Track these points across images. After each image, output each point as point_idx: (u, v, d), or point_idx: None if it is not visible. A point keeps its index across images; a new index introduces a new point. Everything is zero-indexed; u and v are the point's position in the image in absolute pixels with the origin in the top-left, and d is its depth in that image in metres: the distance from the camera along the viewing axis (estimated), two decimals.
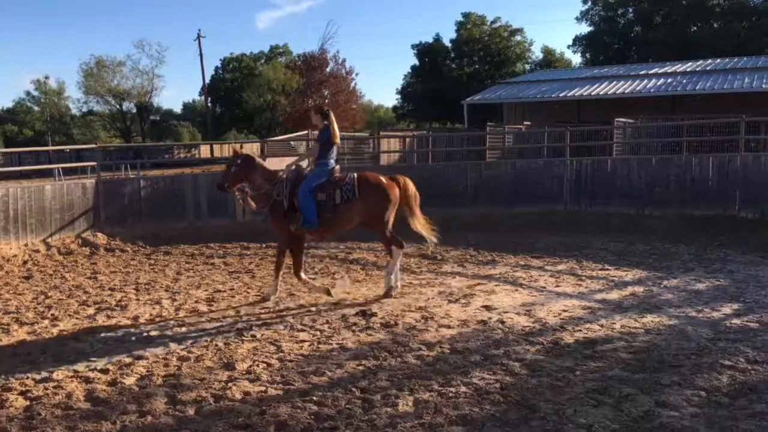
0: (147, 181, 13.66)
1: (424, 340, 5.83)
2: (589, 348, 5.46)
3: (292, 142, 23.62)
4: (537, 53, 57.87)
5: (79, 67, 56.66)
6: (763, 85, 24.38)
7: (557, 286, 8.03)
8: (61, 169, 21.92)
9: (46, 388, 4.84)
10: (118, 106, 55.75)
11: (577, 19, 51.38)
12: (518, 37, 56.61)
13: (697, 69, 29.60)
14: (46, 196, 11.67)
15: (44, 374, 5.15)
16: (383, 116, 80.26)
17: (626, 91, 27.13)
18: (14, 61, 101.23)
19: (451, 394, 4.52)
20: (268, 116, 49.53)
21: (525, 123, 25.23)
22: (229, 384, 4.83)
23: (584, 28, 51.46)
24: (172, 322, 6.66)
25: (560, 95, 28.42)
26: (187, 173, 17.62)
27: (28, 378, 5.08)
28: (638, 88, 27.32)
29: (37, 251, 11.07)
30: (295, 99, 47.25)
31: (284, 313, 6.92)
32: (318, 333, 6.14)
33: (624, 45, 48.13)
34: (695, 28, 44.71)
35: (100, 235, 12.15)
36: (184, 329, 6.37)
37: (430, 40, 56.09)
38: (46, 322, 6.77)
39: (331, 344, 5.78)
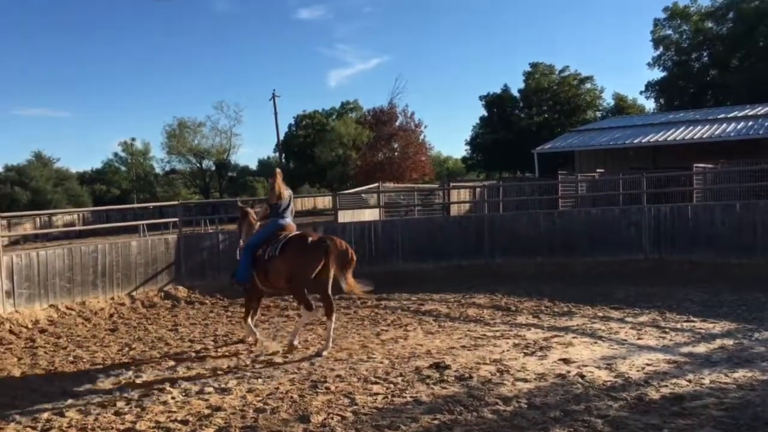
0: (224, 235, 14.11)
1: (500, 394, 5.69)
2: (676, 404, 5.18)
3: (363, 195, 23.97)
4: (608, 100, 57.03)
5: (162, 128, 59.95)
6: None
7: (639, 338, 7.71)
8: (146, 226, 22.97)
9: None
10: (198, 165, 58.34)
11: (648, 64, 50.48)
12: (588, 85, 56.08)
13: None
14: (131, 251, 12.24)
15: (127, 425, 5.31)
16: (452, 167, 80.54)
17: (704, 136, 26.27)
18: (104, 126, 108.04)
19: None
20: (340, 170, 50.57)
21: (598, 170, 24.75)
22: None
23: (657, 74, 50.46)
24: (248, 373, 6.77)
25: (634, 141, 27.82)
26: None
27: (112, 430, 5.25)
28: (717, 133, 26.42)
29: (123, 304, 11.57)
30: (366, 152, 48.19)
31: (357, 365, 6.92)
32: (391, 386, 6.10)
33: (699, 89, 46.86)
34: None
35: (181, 288, 12.59)
36: (260, 381, 6.46)
37: (498, 91, 56.35)
38: (131, 373, 7.01)
39: (405, 397, 5.72)
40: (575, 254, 13.61)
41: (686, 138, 26.57)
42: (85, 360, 7.75)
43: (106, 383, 6.63)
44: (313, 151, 54.93)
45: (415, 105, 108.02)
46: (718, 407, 5.07)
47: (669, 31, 49.17)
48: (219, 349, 8.00)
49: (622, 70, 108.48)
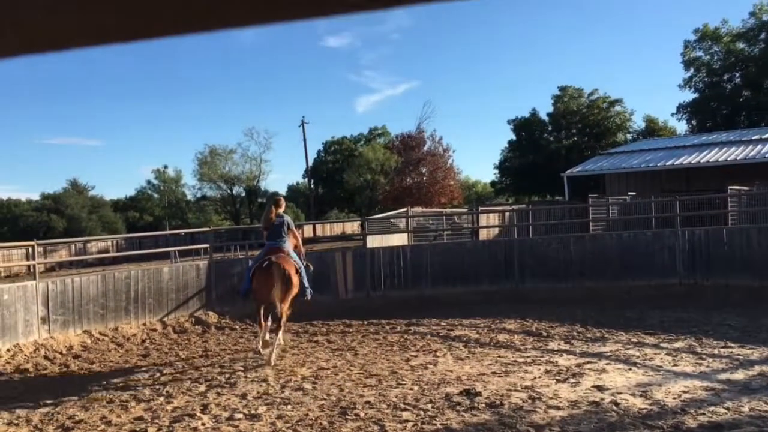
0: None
1: (532, 421, 5.59)
2: None
3: (392, 220, 23.99)
4: (638, 122, 56.47)
5: (194, 156, 61.06)
6: None
7: (675, 365, 7.53)
8: (177, 252, 23.29)
9: None
10: (228, 191, 59.08)
11: (679, 86, 49.94)
12: (618, 108, 55.64)
13: None
14: (163, 277, 12.41)
15: None
16: (481, 191, 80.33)
17: (739, 158, 25.81)
18: (137, 154, 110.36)
19: None
20: (368, 195, 50.80)
21: (629, 193, 24.45)
22: None
23: (688, 95, 50.02)
24: (278, 399, 6.76)
25: (666, 164, 27.44)
26: None
27: None
28: (752, 154, 25.94)
29: (154, 330, 11.70)
30: (394, 178, 48.34)
31: (386, 391, 6.87)
32: (421, 413, 6.04)
33: (732, 110, 46.18)
34: None
35: (211, 313, 12.69)
36: (289, 407, 6.45)
37: (527, 115, 56.24)
38: (161, 399, 7.06)
39: (435, 425, 5.66)
40: (607, 278, 13.40)
41: (720, 160, 26.13)
42: (117, 386, 7.83)
43: (137, 409, 6.68)
44: (342, 176, 55.34)
45: (443, 130, 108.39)
46: None
47: (700, 53, 48.70)
48: (248, 375, 8.02)
49: (653, 92, 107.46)
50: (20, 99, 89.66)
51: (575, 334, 9.81)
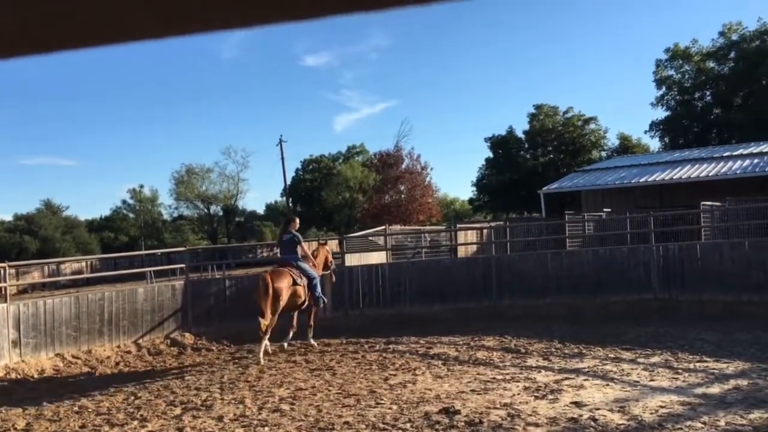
0: (231, 281, 14.11)
1: None
2: None
3: (370, 238, 23.96)
4: (613, 140, 57.35)
5: (171, 175, 60.53)
6: None
7: (652, 380, 7.58)
8: (153, 272, 23.01)
9: None
10: (205, 210, 58.69)
11: (652, 104, 50.89)
12: (592, 125, 56.47)
13: None
14: (138, 298, 12.23)
15: None
16: (459, 209, 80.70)
17: (710, 174, 26.30)
18: (112, 174, 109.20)
19: None
20: (347, 213, 50.79)
21: (605, 210, 24.73)
22: None
23: (660, 113, 50.80)
24: (255, 421, 6.67)
25: (640, 181, 27.86)
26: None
27: None
28: (723, 170, 26.44)
29: (129, 352, 11.50)
30: (372, 196, 48.44)
31: (365, 411, 6.81)
32: None
33: (704, 128, 47.12)
34: None
35: (187, 334, 12.53)
36: (266, 429, 6.36)
37: (503, 132, 56.81)
38: (135, 422, 6.92)
39: None
40: (584, 294, 13.49)
41: (692, 176, 26.60)
42: (90, 410, 7.66)
43: None
44: (320, 194, 55.31)
45: (421, 148, 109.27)
46: None
47: (671, 72, 49.72)
48: (225, 397, 7.90)
49: (626, 110, 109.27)
50: None
51: (553, 350, 9.84)
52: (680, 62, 49.03)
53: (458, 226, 24.32)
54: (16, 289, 27.05)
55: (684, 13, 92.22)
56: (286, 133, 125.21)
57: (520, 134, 56.50)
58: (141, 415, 7.20)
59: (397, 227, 29.09)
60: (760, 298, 11.97)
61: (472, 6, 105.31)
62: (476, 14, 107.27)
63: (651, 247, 13.59)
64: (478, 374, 8.38)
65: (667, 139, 49.75)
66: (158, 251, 34.18)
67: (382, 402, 7.16)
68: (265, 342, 10.32)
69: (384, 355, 10.19)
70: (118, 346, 11.61)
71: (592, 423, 5.90)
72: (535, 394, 7.14)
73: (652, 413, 6.11)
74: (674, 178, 27.01)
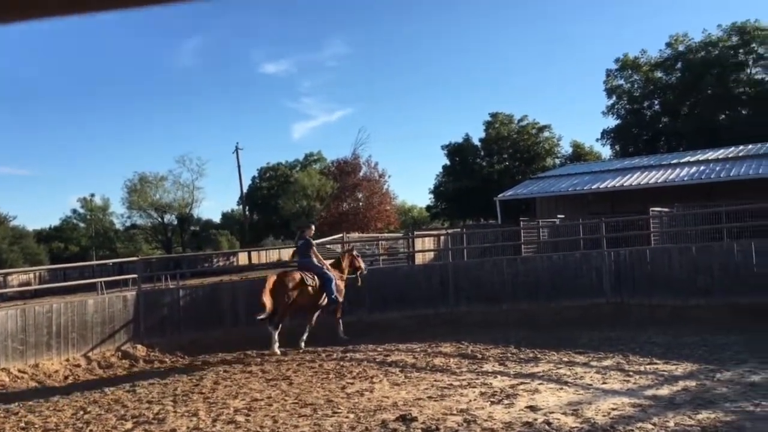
0: (186, 291, 13.86)
1: None
2: None
3: (327, 245, 23.89)
4: (566, 148, 58.56)
5: (123, 183, 59.17)
6: None
7: (604, 382, 7.72)
8: (104, 283, 22.43)
9: None
10: (159, 219, 57.55)
11: (603, 113, 52.21)
12: (546, 133, 57.58)
13: (730, 156, 29.52)
14: (88, 310, 11.90)
15: None
16: (417, 216, 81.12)
17: (659, 181, 27.06)
18: (63, 183, 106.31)
19: None
20: (304, 221, 50.56)
21: (558, 216, 25.18)
22: None
23: (611, 122, 52.17)
24: None
25: (593, 187, 28.48)
26: (226, 281, 17.90)
27: None
28: (671, 177, 27.25)
29: (78, 365, 11.17)
30: (330, 203, 48.32)
31: (322, 420, 6.76)
32: None
33: (652, 136, 48.51)
34: (723, 116, 45.00)
35: (139, 346, 12.24)
36: None
37: (460, 140, 57.43)
38: None
39: None
40: (539, 300, 13.69)
41: (642, 183, 27.32)
42: (37, 426, 7.40)
43: None
44: (277, 202, 54.89)
45: (379, 155, 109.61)
46: None
47: (621, 81, 51.08)
48: (178, 409, 7.73)
49: (579, 118, 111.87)
50: None
51: (509, 355, 9.94)
52: (629, 72, 50.43)
53: (415, 233, 24.40)
54: None
55: (634, 23, 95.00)
56: (243, 141, 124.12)
57: (476, 142, 57.23)
58: (90, 431, 6.99)
59: (355, 235, 29.10)
60: (707, 302, 12.33)
61: (430, 16, 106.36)
62: (433, 24, 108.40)
63: (603, 253, 13.88)
64: (435, 381, 8.40)
65: (617, 147, 51.02)
66: (110, 261, 33.35)
67: (339, 411, 7.11)
68: (275, 335, 11.45)
69: (341, 363, 10.14)
70: (67, 360, 11.27)
71: (547, 427, 5.97)
72: (491, 399, 7.19)
73: (604, 416, 6.22)
74: (625, 184, 27.69)
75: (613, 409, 6.42)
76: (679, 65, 48.01)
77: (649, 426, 5.78)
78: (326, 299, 12.04)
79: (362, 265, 13.21)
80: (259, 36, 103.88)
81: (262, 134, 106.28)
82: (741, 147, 31.73)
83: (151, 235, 61.72)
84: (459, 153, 56.74)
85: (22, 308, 11.36)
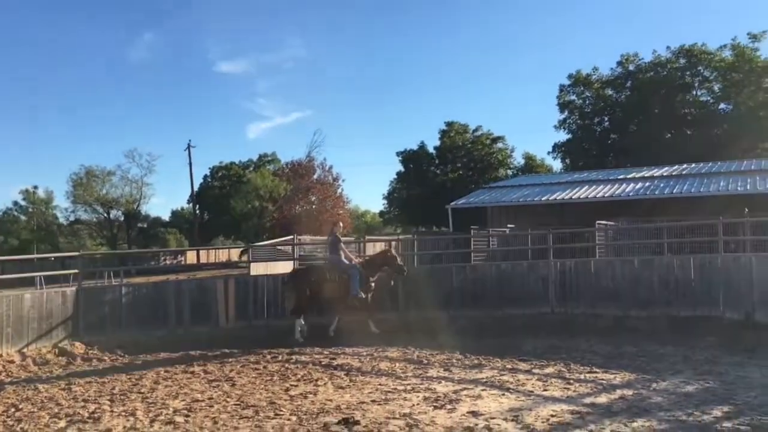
0: (128, 289, 13.52)
1: None
2: None
3: (279, 247, 23.65)
4: (518, 159, 59.62)
5: (68, 177, 57.30)
6: (738, 188, 25.15)
7: (545, 390, 7.85)
8: (44, 278, 21.68)
9: None
10: (105, 215, 56.01)
11: (555, 127, 53.32)
12: (500, 144, 58.53)
13: (674, 173, 30.52)
14: (24, 304, 11.49)
15: None
16: (370, 221, 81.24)
17: (606, 195, 27.76)
18: (7, 175, 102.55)
19: None
20: (256, 222, 49.93)
21: (509, 226, 25.55)
22: None
23: (563, 136, 53.31)
24: None
25: (542, 199, 29.02)
26: (172, 280, 17.53)
27: None
28: (617, 192, 27.99)
29: (12, 362, 10.76)
30: (283, 205, 47.93)
31: (263, 422, 6.67)
32: None
33: (601, 151, 49.80)
34: (669, 135, 46.52)
35: (78, 344, 11.87)
36: None
37: (415, 147, 57.84)
38: None
39: None
40: (487, 307, 13.83)
41: (589, 196, 27.98)
42: None
43: None
44: (229, 202, 54.12)
45: (334, 159, 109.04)
46: None
47: (573, 97, 52.30)
48: (115, 409, 7.52)
49: (532, 131, 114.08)
50: None
51: (455, 361, 10.02)
52: (582, 88, 51.70)
53: (367, 237, 24.40)
54: None
55: (587, 39, 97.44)
56: (196, 139, 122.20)
57: (431, 150, 57.69)
58: (22, 428, 6.74)
59: (307, 238, 28.89)
60: (647, 313, 12.69)
61: (389, 23, 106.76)
62: (392, 31, 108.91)
63: (549, 263, 14.14)
64: (379, 385, 8.40)
65: (568, 161, 52.18)
66: (51, 256, 32.25)
67: (282, 413, 7.03)
68: (298, 324, 12.48)
69: (286, 365, 10.05)
70: (0, 356, 10.83)
71: None
72: (435, 404, 7.23)
73: (543, 422, 6.32)
74: (573, 197, 28.31)
75: (552, 416, 6.53)
76: (629, 84, 49.46)
77: None
78: (350, 294, 12.64)
79: (401, 263, 13.36)
80: (217, 34, 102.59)
81: (215, 133, 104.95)
82: (684, 165, 32.84)
83: (96, 230, 60.05)
84: (414, 160, 57.12)
85: None
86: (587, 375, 8.63)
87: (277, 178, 50.78)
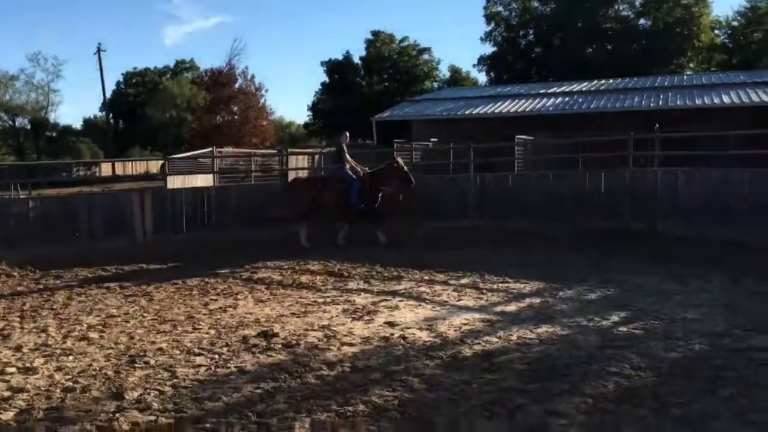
0: (37, 202, 12.92)
1: (325, 359, 5.77)
2: (486, 360, 5.57)
3: (200, 159, 22.94)
4: (444, 72, 59.36)
5: None
6: (652, 104, 26.05)
7: (459, 299, 8.17)
8: None
9: None
10: (10, 123, 52.52)
11: (481, 39, 53.04)
12: (426, 56, 57.93)
13: (592, 89, 31.20)
14: None
15: None
16: (295, 133, 79.83)
17: (527, 109, 28.20)
18: None
19: (349, 414, 4.48)
20: (174, 132, 48.13)
21: (432, 140, 25.71)
22: (117, 415, 4.59)
23: (488, 48, 53.20)
24: (58, 350, 6.27)
25: (466, 113, 29.19)
26: (85, 192, 16.85)
27: None
28: (538, 107, 28.47)
29: None
30: (202, 115, 46.25)
31: (181, 336, 6.67)
32: (216, 356, 5.96)
33: (526, 65, 50.14)
34: (590, 50, 47.20)
35: None
36: (71, 358, 6.01)
37: (340, 57, 56.44)
38: None
39: (230, 368, 5.62)
40: (409, 219, 14.04)
41: (512, 111, 28.34)
42: None
43: None
44: (145, 111, 51.75)
45: (256, 68, 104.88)
46: (521, 361, 5.52)
47: (500, 8, 51.85)
48: (26, 325, 7.32)
49: (459, 43, 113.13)
50: None
51: (374, 273, 10.21)
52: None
53: (290, 150, 24.05)
54: None
55: None
56: (107, 42, 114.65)
57: (357, 60, 56.49)
58: None
59: (229, 149, 28.16)
60: (560, 226, 13.21)
61: None
62: None
63: (469, 177, 14.40)
64: (300, 298, 8.51)
65: (493, 74, 52.34)
66: None
67: (200, 327, 7.05)
68: (303, 231, 12.81)
69: (206, 279, 9.98)
70: None
71: (402, 341, 6.26)
72: (353, 315, 7.41)
73: (455, 330, 6.61)
74: (496, 111, 28.61)
75: (465, 324, 6.84)
76: None
77: (495, 339, 6.23)
78: (349, 205, 12.83)
79: (407, 174, 12.97)
80: None
81: (129, 36, 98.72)
82: (603, 81, 33.57)
83: (0, 139, 56.40)
84: (339, 71, 55.89)
85: None
86: (500, 285, 9.02)
87: (195, 86, 48.68)
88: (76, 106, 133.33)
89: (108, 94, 56.29)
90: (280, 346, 6.22)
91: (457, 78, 57.27)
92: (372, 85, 55.57)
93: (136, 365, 5.74)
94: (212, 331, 6.85)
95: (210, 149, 21.02)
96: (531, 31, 51.10)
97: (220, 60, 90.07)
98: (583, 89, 31.28)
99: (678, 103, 25.71)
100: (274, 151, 27.13)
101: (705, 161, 14.99)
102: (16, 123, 52.69)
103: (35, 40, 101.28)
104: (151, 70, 64.44)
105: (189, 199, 13.60)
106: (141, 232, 13.18)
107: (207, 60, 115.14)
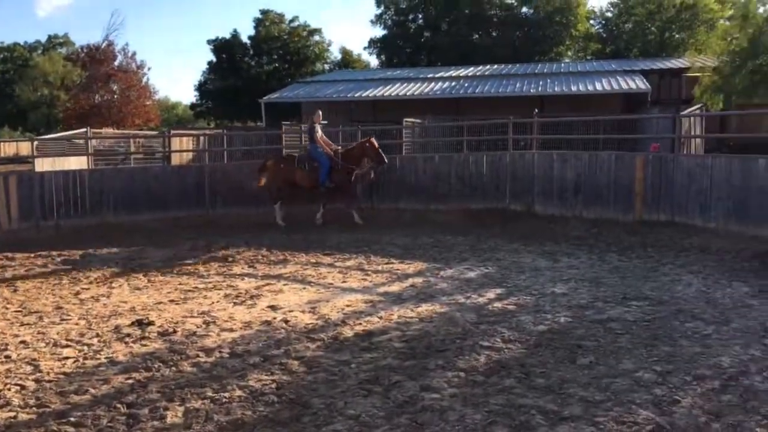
0: None
1: (203, 346, 5.63)
2: (366, 340, 5.64)
3: (75, 140, 21.54)
4: (335, 54, 59.05)
5: None
6: (532, 90, 27.25)
7: (344, 281, 8.21)
8: None
9: None
10: None
11: (372, 22, 53.14)
12: (317, 37, 57.34)
13: (477, 74, 32.19)
14: None
15: None
16: (181, 114, 76.85)
17: (416, 93, 28.67)
18: None
19: (224, 400, 4.41)
20: (45, 112, 44.95)
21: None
22: None
23: (379, 31, 53.37)
24: None
25: (356, 95, 29.27)
26: None
27: None
28: (426, 90, 29.01)
29: None
30: (78, 94, 43.50)
31: (47, 328, 6.29)
32: (85, 348, 5.67)
33: (415, 49, 50.78)
34: (476, 36, 48.51)
35: None
36: None
37: (228, 36, 54.71)
38: None
39: (99, 359, 5.37)
40: (295, 202, 13.90)
41: (400, 94, 28.73)
42: None
43: None
44: (13, 89, 47.98)
45: (137, 45, 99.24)
46: (400, 339, 5.64)
47: None
48: None
49: (351, 25, 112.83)
50: None
51: (260, 257, 10.05)
52: None
53: (172, 132, 23.13)
54: None
55: None
56: None
57: (245, 40, 55.00)
58: None
59: (109, 131, 26.65)
60: (445, 207, 13.58)
61: None
62: None
63: None
64: (180, 284, 8.25)
65: (383, 57, 52.66)
66: None
67: (69, 318, 6.68)
68: (277, 208, 13.01)
69: (78, 268, 9.45)
70: None
71: (284, 324, 6.22)
72: (235, 300, 7.28)
73: (338, 312, 6.65)
74: (385, 94, 28.90)
75: (348, 306, 6.89)
76: None
77: (376, 319, 6.33)
78: (319, 184, 12.84)
79: (380, 153, 12.87)
80: None
81: None
82: (488, 66, 34.71)
83: None
84: (226, 50, 54.16)
85: None
86: (384, 266, 9.14)
87: (70, 63, 45.63)
88: None
89: None
90: (155, 334, 6.01)
91: (348, 60, 57.16)
92: (261, 65, 54.35)
93: None
94: (82, 322, 6.50)
95: (83, 130, 19.75)
96: (420, 16, 51.75)
97: (97, 36, 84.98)
98: (469, 74, 32.21)
99: (556, 89, 27.05)
100: (156, 133, 26.00)
101: (582, 145, 15.88)
102: None
103: None
104: (20, 45, 59.70)
105: (60, 183, 12.77)
106: (6, 219, 12.26)
107: (82, 35, 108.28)
